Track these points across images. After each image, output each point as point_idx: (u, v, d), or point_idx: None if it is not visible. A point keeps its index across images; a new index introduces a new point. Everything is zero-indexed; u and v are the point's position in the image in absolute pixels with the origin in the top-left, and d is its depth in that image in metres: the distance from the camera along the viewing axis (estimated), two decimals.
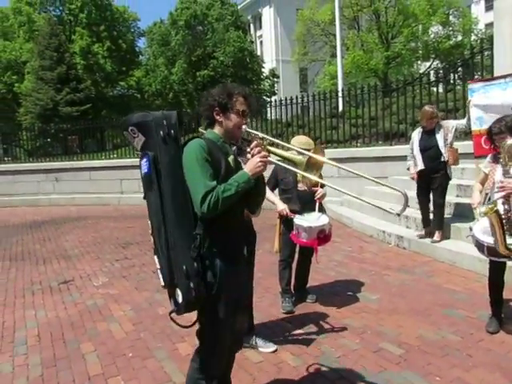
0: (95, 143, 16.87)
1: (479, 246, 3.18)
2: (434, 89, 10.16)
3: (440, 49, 26.66)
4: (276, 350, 3.29)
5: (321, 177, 4.01)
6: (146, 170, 2.01)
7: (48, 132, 17.30)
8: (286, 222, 4.09)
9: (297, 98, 11.69)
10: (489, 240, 3.11)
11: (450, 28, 27.63)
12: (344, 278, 4.89)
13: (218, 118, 2.16)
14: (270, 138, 2.38)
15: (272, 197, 4.07)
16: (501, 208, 3.10)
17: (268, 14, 41.13)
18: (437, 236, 5.56)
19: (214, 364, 2.19)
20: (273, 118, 12.89)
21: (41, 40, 24.80)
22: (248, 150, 2.16)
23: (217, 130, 2.19)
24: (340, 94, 11.86)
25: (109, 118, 20.38)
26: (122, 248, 7.10)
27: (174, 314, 2.10)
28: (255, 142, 2.16)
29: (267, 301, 4.34)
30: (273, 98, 12.56)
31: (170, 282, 2.01)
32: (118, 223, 9.57)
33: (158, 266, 2.05)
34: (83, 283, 5.29)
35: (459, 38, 27.88)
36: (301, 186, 4.04)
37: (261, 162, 2.08)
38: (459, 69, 8.89)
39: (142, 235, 7.79)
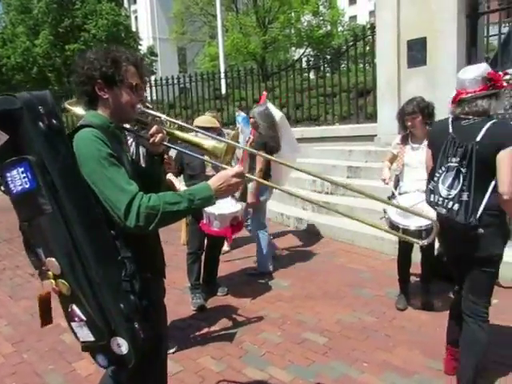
0: None
1: (394, 227, 3.21)
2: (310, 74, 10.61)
3: (312, 37, 28.08)
4: (175, 351, 2.97)
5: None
6: (26, 186, 1.37)
7: None
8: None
9: (178, 78, 11.15)
10: (404, 222, 3.16)
11: (321, 18, 29.22)
12: (251, 265, 4.71)
13: (101, 94, 1.59)
14: (175, 121, 1.94)
15: (177, 184, 3.66)
16: None
17: None
18: None
19: None
20: (153, 98, 12.16)
21: None
22: (147, 135, 1.70)
23: (101, 110, 1.62)
24: (223, 76, 11.64)
25: None
26: None
27: None
28: (155, 127, 1.69)
29: (174, 298, 3.93)
30: (152, 78, 11.79)
31: (108, 334, 1.48)
32: None
33: (83, 318, 1.48)
34: None
35: (329, 27, 29.73)
36: (209, 171, 3.71)
37: (237, 182, 1.57)
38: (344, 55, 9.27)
39: (11, 231, 6.64)
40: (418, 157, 3.36)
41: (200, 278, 3.85)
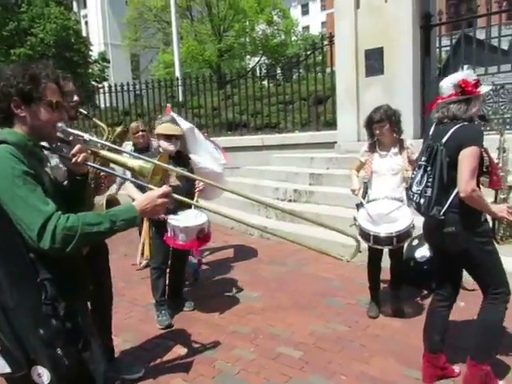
0: None
1: (365, 235, 3.20)
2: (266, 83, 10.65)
3: (267, 46, 28.41)
4: (143, 375, 2.78)
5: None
6: None
7: None
8: (157, 224, 3.55)
9: (134, 84, 10.84)
10: (374, 229, 3.15)
11: (275, 27, 29.64)
12: (217, 277, 4.57)
13: (18, 112, 1.53)
14: (98, 141, 1.86)
15: (137, 195, 3.47)
16: None
17: None
18: None
19: None
20: (107, 105, 11.75)
21: None
22: (69, 155, 1.62)
23: (18, 128, 1.55)
24: (180, 83, 11.44)
25: None
26: None
27: None
28: (78, 146, 1.61)
29: (137, 316, 3.73)
30: (104, 84, 11.39)
31: (26, 363, 1.37)
32: None
33: None
34: None
35: (283, 37, 30.20)
36: (173, 181, 3.55)
37: (163, 203, 1.56)
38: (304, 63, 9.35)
39: None
40: (386, 164, 3.38)
41: (165, 294, 3.66)
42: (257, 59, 29.09)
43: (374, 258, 3.48)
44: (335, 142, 7.19)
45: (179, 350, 3.12)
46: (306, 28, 42.03)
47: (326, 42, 7.75)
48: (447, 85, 2.39)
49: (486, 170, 2.38)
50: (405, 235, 3.11)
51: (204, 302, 3.93)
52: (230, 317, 3.63)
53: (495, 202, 2.47)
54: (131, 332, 3.39)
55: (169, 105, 6.15)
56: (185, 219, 3.45)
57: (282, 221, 6.24)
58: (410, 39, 6.24)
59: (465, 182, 2.24)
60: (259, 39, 28.84)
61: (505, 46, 7.84)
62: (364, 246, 4.21)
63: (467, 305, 3.57)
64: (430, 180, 2.36)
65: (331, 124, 7.78)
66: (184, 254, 3.80)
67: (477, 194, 2.25)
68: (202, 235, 3.48)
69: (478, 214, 2.35)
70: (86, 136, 1.74)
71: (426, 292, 3.88)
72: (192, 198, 3.52)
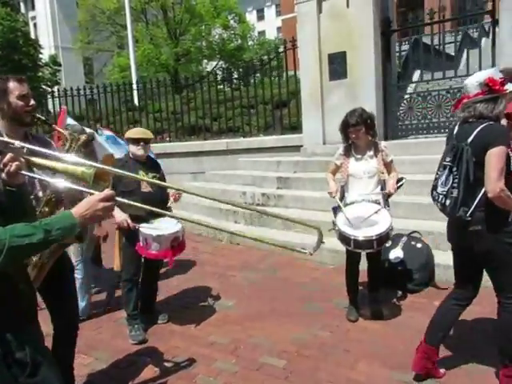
0: None
1: (345, 239, 3.16)
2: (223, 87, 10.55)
3: (224, 50, 28.35)
4: None
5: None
6: None
7: None
8: (127, 233, 3.37)
9: (92, 88, 10.43)
10: (353, 233, 3.13)
11: (232, 31, 29.64)
12: (190, 286, 4.41)
13: None
14: (29, 146, 1.72)
15: None
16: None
17: None
18: None
19: None
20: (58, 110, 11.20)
21: None
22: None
23: None
24: (138, 87, 11.13)
25: None
26: None
27: None
28: (9, 155, 1.52)
29: (108, 332, 3.52)
30: (55, 88, 10.86)
31: None
32: None
33: None
34: None
35: (240, 41, 30.25)
36: (145, 187, 3.39)
37: (105, 207, 1.46)
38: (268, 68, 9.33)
39: None
40: (362, 167, 3.38)
41: (138, 307, 3.48)
42: (214, 63, 28.96)
43: (353, 261, 3.46)
44: (301, 146, 7.21)
45: (156, 367, 2.94)
46: (262, 33, 42.38)
47: (289, 46, 7.75)
48: (473, 84, 2.36)
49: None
50: (385, 238, 3.11)
51: (178, 313, 3.77)
52: (208, 328, 3.49)
53: None
54: (103, 350, 3.19)
55: (64, 107, 5.86)
56: (158, 227, 3.29)
57: (250, 225, 6.17)
58: (372, 44, 6.36)
59: (493, 182, 2.22)
60: (216, 43, 28.74)
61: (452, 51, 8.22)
62: (334, 247, 4.25)
63: None
64: (456, 181, 2.33)
65: (296, 127, 7.80)
66: (157, 265, 3.64)
67: (505, 193, 2.23)
68: (176, 244, 3.33)
69: (506, 214, 2.32)
70: (17, 143, 1.63)
71: (400, 293, 3.91)
72: (166, 205, 3.37)
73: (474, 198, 2.30)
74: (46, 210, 2.11)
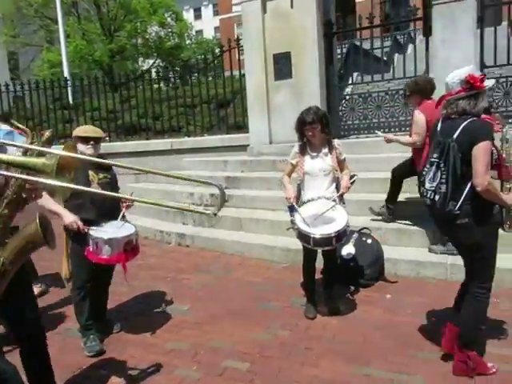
0: None
1: (304, 237, 3.17)
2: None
3: (162, 48, 27.71)
4: None
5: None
6: None
7: None
8: (77, 237, 3.15)
9: (22, 84, 9.71)
10: (311, 230, 3.14)
11: (169, 29, 29.05)
12: (141, 292, 4.22)
13: None
14: None
15: (55, 206, 3.05)
16: None
17: None
18: None
19: None
20: None
21: None
22: None
23: None
24: (69, 84, 10.54)
25: None
26: None
27: None
28: None
29: (54, 346, 3.24)
30: None
31: None
32: None
33: None
34: None
35: (177, 39, 29.72)
36: (95, 188, 3.18)
37: None
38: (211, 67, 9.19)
39: None
40: (317, 165, 3.41)
41: (91, 317, 3.26)
42: (151, 61, 28.23)
43: (310, 258, 3.49)
44: (247, 145, 7.19)
45: (114, 380, 2.77)
46: (200, 32, 41.96)
47: (233, 45, 7.70)
48: (454, 81, 2.45)
49: (495, 163, 2.47)
50: (343, 234, 3.15)
51: (132, 321, 3.59)
52: (164, 334, 3.36)
53: (501, 192, 2.53)
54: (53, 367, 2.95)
55: None
56: (109, 230, 3.11)
57: (199, 226, 6.05)
58: (316, 45, 6.47)
59: (481, 176, 2.30)
60: (153, 41, 28.02)
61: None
62: (286, 245, 4.26)
63: (394, 296, 3.77)
64: (444, 176, 2.39)
65: (241, 127, 7.77)
66: (109, 270, 3.43)
67: (492, 186, 2.33)
68: (129, 247, 3.16)
69: (491, 206, 2.42)
70: None
71: (353, 288, 4.00)
72: (118, 210, 3.19)
73: (461, 192, 2.39)
74: (6, 212, 1.90)
